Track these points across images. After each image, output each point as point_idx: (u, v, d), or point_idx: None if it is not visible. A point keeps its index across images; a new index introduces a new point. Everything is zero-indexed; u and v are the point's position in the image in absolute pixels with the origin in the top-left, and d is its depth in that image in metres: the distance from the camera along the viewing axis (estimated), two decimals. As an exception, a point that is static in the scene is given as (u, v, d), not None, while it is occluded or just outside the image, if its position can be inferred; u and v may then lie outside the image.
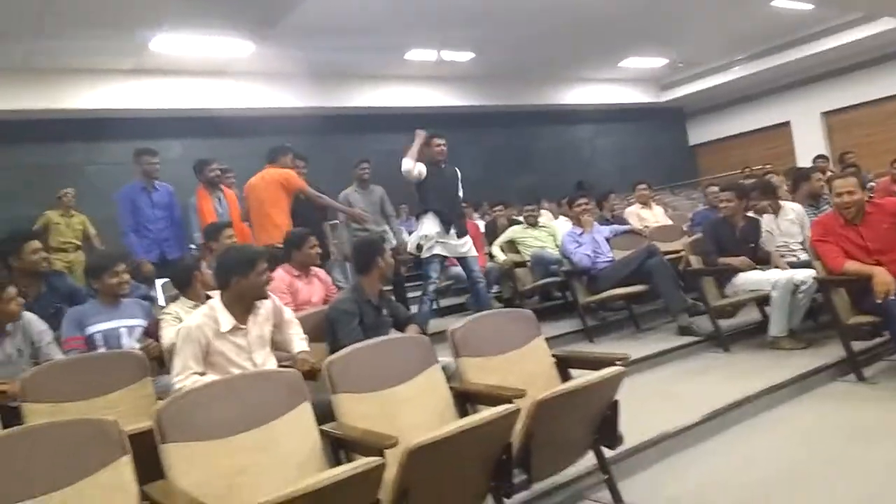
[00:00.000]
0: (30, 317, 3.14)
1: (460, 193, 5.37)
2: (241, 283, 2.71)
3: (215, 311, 2.70)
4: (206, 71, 9.12)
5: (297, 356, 2.96)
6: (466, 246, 5.29)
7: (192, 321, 2.67)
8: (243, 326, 2.74)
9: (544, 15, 8.55)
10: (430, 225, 5.16)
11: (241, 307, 2.75)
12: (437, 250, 5.15)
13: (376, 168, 6.07)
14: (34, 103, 8.24)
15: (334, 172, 6.87)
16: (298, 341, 3.05)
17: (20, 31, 6.88)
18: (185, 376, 2.54)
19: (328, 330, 3.23)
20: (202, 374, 2.59)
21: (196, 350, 2.60)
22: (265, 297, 2.84)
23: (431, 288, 5.19)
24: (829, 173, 5.89)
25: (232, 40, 8.16)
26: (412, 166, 5.07)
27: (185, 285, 3.49)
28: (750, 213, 4.88)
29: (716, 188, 6.50)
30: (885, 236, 3.70)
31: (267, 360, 2.80)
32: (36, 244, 3.60)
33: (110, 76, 8.64)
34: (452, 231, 5.18)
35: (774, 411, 3.51)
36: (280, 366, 2.78)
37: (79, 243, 7.24)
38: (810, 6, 9.00)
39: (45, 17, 6.53)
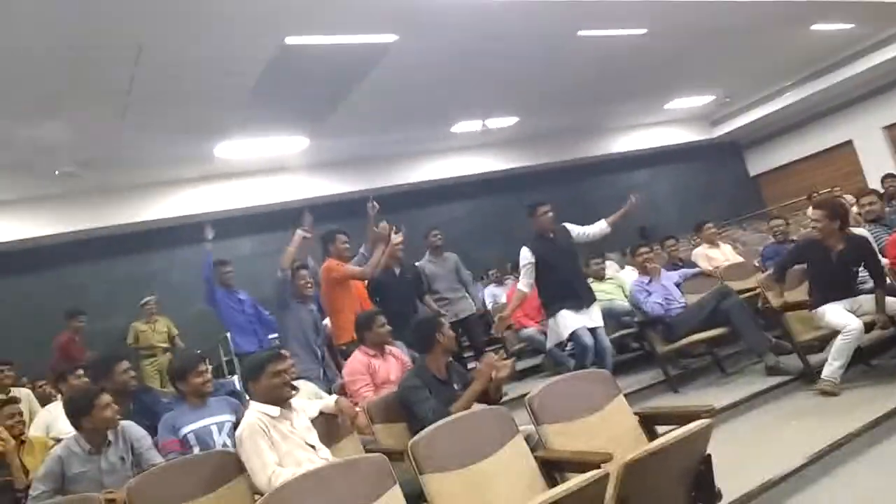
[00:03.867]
0: (128, 423, 3.29)
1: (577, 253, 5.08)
2: (257, 387, 2.91)
3: (258, 406, 2.88)
4: (266, 169, 9.62)
5: (338, 404, 3.14)
6: (593, 316, 4.91)
7: (246, 422, 2.80)
8: (287, 412, 2.90)
9: (582, 72, 8.72)
10: (562, 322, 4.82)
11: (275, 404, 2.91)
12: (573, 325, 4.77)
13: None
14: (116, 219, 8.86)
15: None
16: (329, 398, 3.27)
17: (98, 155, 7.48)
18: (272, 471, 2.61)
19: (403, 411, 3.26)
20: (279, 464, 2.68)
21: (266, 440, 2.71)
22: (285, 396, 2.96)
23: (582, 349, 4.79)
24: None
25: (288, 138, 8.63)
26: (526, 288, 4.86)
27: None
28: (853, 231, 4.48)
29: (780, 220, 6.33)
30: None
31: (320, 445, 2.90)
32: (125, 364, 3.82)
33: (180, 185, 9.22)
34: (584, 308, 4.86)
35: (880, 446, 3.32)
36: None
37: (166, 346, 7.64)
38: (850, 25, 8.87)
39: (119, 138, 7.09)
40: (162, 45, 5.39)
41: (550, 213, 4.98)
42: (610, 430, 2.72)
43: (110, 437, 3.17)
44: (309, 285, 4.91)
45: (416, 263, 5.90)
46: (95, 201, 8.68)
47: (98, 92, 5.97)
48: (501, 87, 8.69)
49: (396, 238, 4.96)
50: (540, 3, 5.61)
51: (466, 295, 5.96)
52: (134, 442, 3.21)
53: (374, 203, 5.03)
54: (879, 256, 4.31)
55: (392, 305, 5.01)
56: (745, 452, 3.48)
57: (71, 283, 8.97)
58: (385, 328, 4.05)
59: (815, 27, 8.71)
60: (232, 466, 2.75)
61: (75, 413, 3.14)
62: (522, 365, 6.70)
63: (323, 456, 2.82)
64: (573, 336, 4.80)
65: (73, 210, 8.57)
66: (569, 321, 4.79)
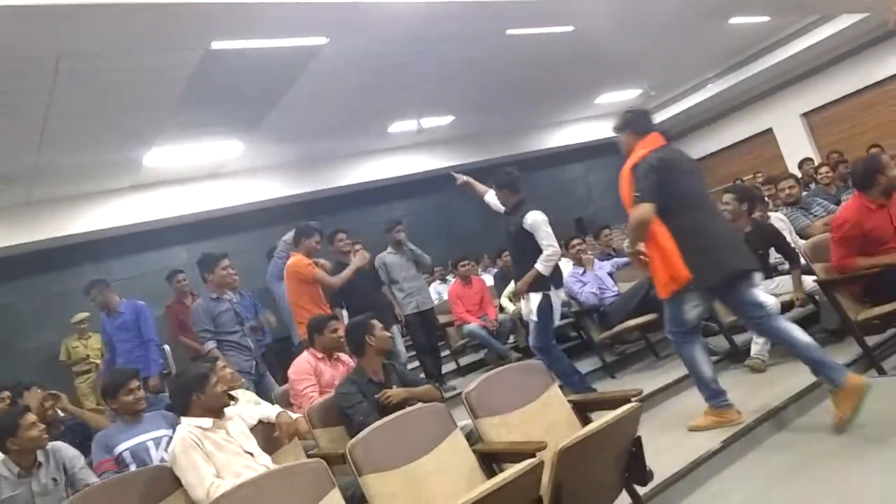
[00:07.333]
0: (59, 444, 3.20)
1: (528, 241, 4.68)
2: (200, 398, 2.87)
3: (189, 420, 2.85)
4: (199, 176, 9.40)
5: (278, 419, 3.13)
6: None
7: (177, 437, 2.77)
8: (221, 421, 2.88)
9: (514, 70, 8.84)
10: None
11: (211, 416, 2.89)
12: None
13: (378, 238, 6.28)
14: (42, 234, 8.48)
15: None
16: (271, 408, 3.24)
17: (20, 169, 7.17)
18: (210, 482, 2.59)
19: (341, 417, 3.27)
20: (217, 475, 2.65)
21: (200, 453, 2.68)
22: (226, 403, 2.98)
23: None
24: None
25: (222, 143, 8.45)
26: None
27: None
28: (757, 216, 4.68)
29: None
30: None
31: (259, 452, 2.89)
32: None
33: (109, 196, 8.89)
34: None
35: (804, 418, 3.51)
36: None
37: (98, 362, 7.39)
38: (766, 18, 9.27)
39: (41, 150, 6.82)
40: (81, 55, 5.20)
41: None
42: (545, 419, 2.80)
43: (40, 458, 3.08)
44: (232, 276, 4.87)
45: (377, 256, 5.90)
46: (21, 216, 8.32)
47: (16, 104, 5.74)
48: (435, 87, 8.74)
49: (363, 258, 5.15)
50: (468, 3, 5.67)
51: (426, 287, 6.11)
52: (66, 462, 3.13)
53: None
54: (793, 238, 4.55)
55: (361, 301, 5.09)
56: (677, 433, 3.62)
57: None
58: (337, 334, 4.02)
59: (732, 20, 9.07)
60: (168, 481, 2.70)
61: (0, 435, 3.03)
62: (466, 360, 6.79)
63: (262, 462, 2.80)
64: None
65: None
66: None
